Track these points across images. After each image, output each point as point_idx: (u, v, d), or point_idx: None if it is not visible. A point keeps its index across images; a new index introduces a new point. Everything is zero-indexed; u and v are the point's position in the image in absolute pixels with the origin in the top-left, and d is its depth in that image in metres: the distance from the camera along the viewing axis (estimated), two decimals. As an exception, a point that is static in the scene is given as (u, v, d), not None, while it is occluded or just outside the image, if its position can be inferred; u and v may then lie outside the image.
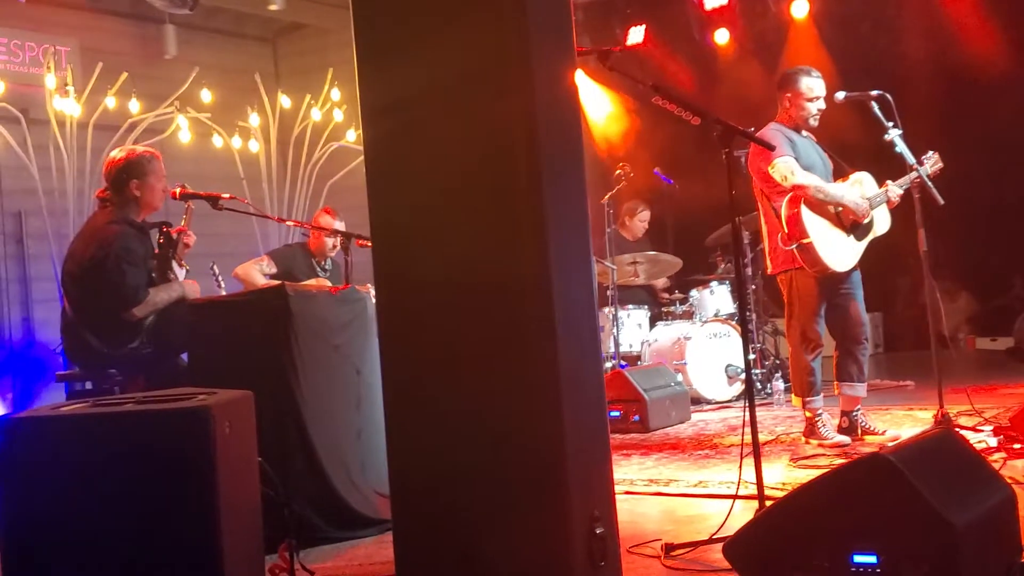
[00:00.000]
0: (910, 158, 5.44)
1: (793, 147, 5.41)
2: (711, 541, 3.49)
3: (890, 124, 5.39)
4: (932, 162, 5.54)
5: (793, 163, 5.34)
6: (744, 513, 3.77)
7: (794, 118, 5.56)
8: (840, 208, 5.42)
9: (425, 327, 2.46)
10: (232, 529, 2.37)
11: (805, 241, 5.28)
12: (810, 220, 5.31)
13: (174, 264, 5.22)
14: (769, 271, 5.68)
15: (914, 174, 5.44)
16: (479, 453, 2.38)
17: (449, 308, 2.44)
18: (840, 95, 5.52)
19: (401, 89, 2.48)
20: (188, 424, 2.34)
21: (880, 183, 5.58)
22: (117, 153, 5.23)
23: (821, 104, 5.56)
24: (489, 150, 2.39)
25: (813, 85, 5.54)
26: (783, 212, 5.36)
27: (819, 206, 5.37)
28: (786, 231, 5.34)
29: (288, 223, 8.31)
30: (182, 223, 5.26)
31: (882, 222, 5.62)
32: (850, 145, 5.86)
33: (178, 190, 5.10)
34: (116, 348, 4.98)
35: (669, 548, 3.50)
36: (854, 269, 5.50)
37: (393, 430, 2.52)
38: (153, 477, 2.34)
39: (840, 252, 5.40)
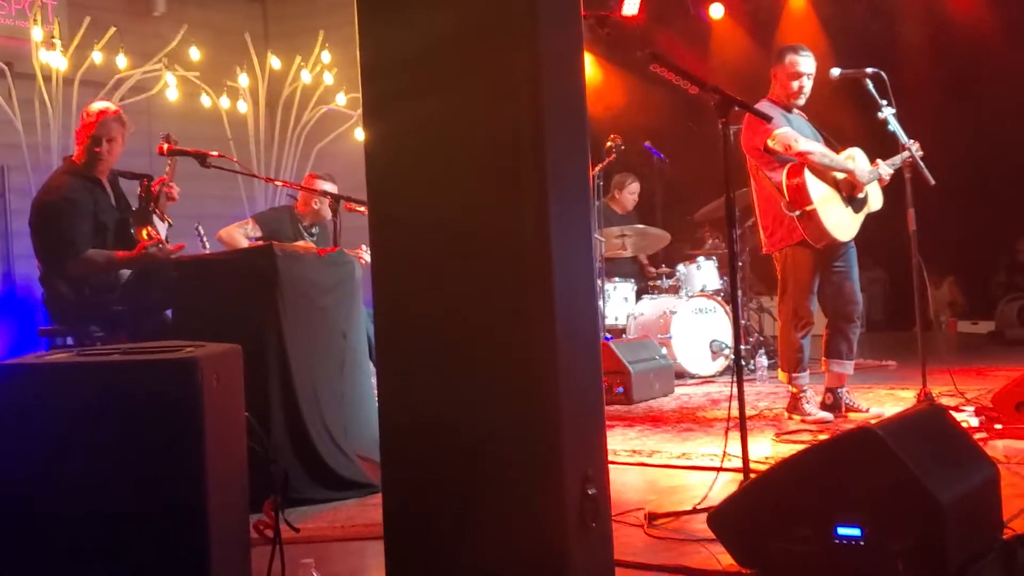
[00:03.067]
0: (903, 137, 5.44)
1: (787, 122, 5.39)
2: (695, 511, 3.50)
3: (884, 102, 5.38)
4: (915, 147, 5.53)
5: (794, 131, 5.33)
6: (726, 485, 3.79)
7: (780, 95, 5.53)
8: (844, 175, 5.40)
9: (420, 286, 2.45)
10: (218, 483, 2.35)
11: (808, 208, 5.25)
12: (814, 187, 5.28)
13: (155, 219, 5.16)
14: (764, 250, 5.64)
15: (905, 154, 5.44)
16: (472, 410, 2.37)
17: (446, 268, 2.43)
18: (835, 71, 5.50)
19: (403, 45, 2.46)
20: (176, 375, 2.32)
21: (871, 162, 5.58)
22: (94, 106, 5.26)
23: (805, 81, 5.49)
24: (492, 107, 2.38)
25: (797, 61, 5.47)
26: (784, 181, 5.32)
27: (822, 174, 5.35)
28: (787, 199, 5.30)
29: (278, 183, 8.24)
30: (164, 175, 5.23)
31: (876, 198, 5.62)
32: (840, 125, 5.85)
33: (166, 146, 5.07)
34: (87, 295, 5.01)
35: (652, 517, 3.51)
36: (850, 244, 5.50)
37: (385, 389, 2.50)
38: (139, 429, 2.32)
39: (842, 222, 5.39)
